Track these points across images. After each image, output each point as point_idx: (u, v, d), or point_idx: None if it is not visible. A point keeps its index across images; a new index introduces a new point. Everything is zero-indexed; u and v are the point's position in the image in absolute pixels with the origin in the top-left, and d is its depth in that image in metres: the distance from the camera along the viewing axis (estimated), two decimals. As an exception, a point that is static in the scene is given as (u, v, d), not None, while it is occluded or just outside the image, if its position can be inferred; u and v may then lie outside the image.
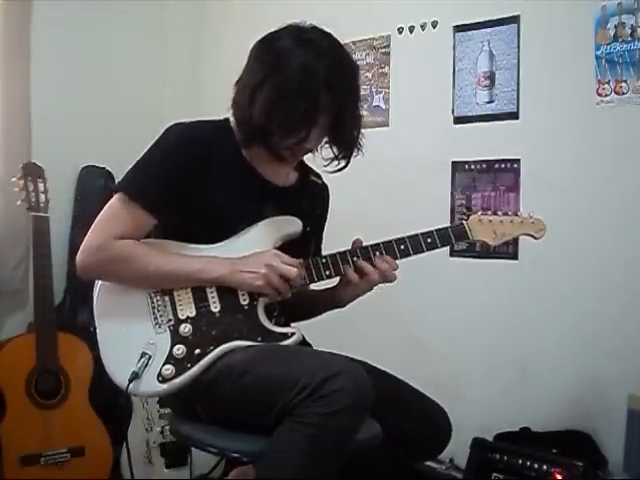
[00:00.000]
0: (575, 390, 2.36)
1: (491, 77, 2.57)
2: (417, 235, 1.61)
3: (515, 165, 2.51)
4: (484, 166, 2.58)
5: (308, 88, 1.49)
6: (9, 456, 2.30)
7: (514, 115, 2.51)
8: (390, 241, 1.62)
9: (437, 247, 1.62)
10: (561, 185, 2.41)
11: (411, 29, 2.77)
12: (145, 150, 1.58)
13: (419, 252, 1.61)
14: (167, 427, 2.52)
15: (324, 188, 1.84)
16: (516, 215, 1.68)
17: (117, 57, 3.15)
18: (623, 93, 2.29)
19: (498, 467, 2.23)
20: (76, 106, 2.98)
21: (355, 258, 1.60)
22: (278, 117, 1.51)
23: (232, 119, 1.63)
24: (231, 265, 1.54)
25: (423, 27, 2.74)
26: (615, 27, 2.31)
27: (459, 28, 2.64)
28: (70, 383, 2.46)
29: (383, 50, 2.83)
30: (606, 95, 2.32)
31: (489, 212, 1.68)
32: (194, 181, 1.55)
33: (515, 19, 2.50)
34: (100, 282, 1.58)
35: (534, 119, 2.48)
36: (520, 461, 2.19)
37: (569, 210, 2.37)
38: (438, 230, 1.63)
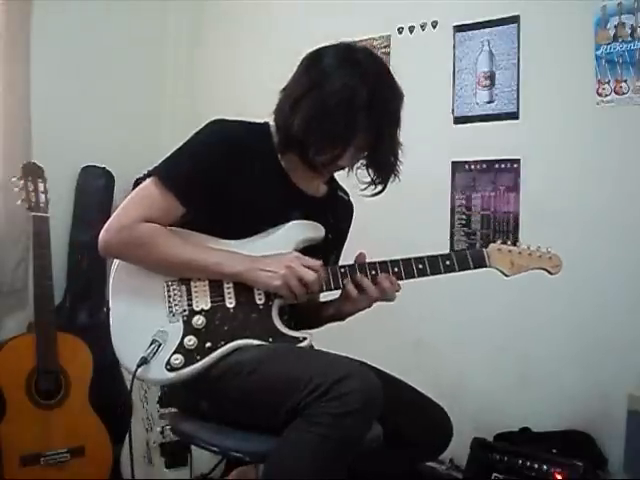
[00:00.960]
0: (575, 390, 2.36)
1: (491, 77, 2.57)
2: (436, 256, 1.64)
3: (515, 165, 2.51)
4: (484, 166, 2.58)
5: (346, 109, 1.51)
6: (9, 456, 2.30)
7: (514, 115, 2.51)
8: (409, 259, 1.64)
9: (455, 270, 1.65)
10: (561, 185, 2.41)
11: (411, 29, 2.77)
12: (184, 140, 1.61)
13: (436, 273, 1.64)
14: (167, 427, 2.52)
15: (350, 205, 1.86)
16: (535, 248, 1.71)
17: (117, 57, 3.15)
18: (623, 93, 2.29)
19: (498, 467, 2.22)
20: (76, 106, 2.98)
21: (374, 272, 1.61)
22: (315, 132, 1.53)
23: (272, 124, 1.65)
24: (251, 262, 1.55)
25: (423, 27, 2.74)
26: (615, 27, 2.31)
27: (459, 28, 2.64)
28: (70, 383, 2.46)
29: (383, 50, 2.82)
30: (606, 95, 2.32)
31: (509, 242, 1.71)
32: (226, 178, 1.57)
33: (515, 19, 2.50)
34: (118, 263, 1.59)
35: (534, 119, 2.48)
36: (520, 461, 2.19)
37: (569, 210, 2.37)
38: (457, 253, 1.66)
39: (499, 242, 1.70)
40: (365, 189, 1.68)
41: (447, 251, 1.67)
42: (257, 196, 1.59)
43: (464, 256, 1.66)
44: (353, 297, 1.61)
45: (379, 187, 1.67)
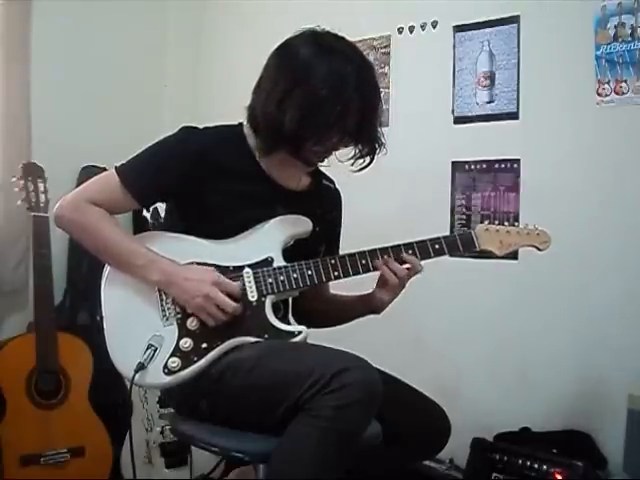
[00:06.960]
0: (575, 390, 2.36)
1: (491, 77, 2.57)
2: (425, 241, 1.64)
3: (515, 165, 2.51)
4: (484, 166, 2.58)
5: (340, 94, 1.51)
6: (9, 456, 2.30)
7: (514, 115, 2.51)
8: (398, 245, 1.64)
9: (444, 254, 1.64)
10: (561, 185, 2.41)
11: (411, 29, 2.77)
12: (153, 142, 1.63)
13: (426, 258, 1.64)
14: (167, 427, 2.52)
15: (336, 193, 1.85)
16: (522, 226, 1.70)
17: (117, 57, 3.15)
18: (623, 93, 2.29)
19: (498, 467, 2.23)
20: (76, 106, 2.98)
21: (364, 261, 1.62)
22: (312, 124, 1.53)
23: (246, 124, 1.65)
24: (168, 276, 1.54)
25: (423, 27, 2.74)
26: (615, 27, 2.31)
27: (459, 28, 2.64)
28: (70, 383, 2.46)
29: (383, 50, 2.83)
30: (606, 95, 2.32)
31: (496, 222, 1.70)
32: (192, 184, 1.59)
33: (515, 19, 2.50)
34: (108, 271, 1.60)
35: (534, 119, 2.48)
36: (520, 461, 2.19)
37: (569, 210, 2.37)
38: (446, 237, 1.65)
39: (486, 222, 1.70)
40: (353, 163, 1.67)
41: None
42: (236, 197, 1.60)
43: (453, 239, 1.65)
44: (389, 281, 1.62)
45: (367, 159, 1.66)
